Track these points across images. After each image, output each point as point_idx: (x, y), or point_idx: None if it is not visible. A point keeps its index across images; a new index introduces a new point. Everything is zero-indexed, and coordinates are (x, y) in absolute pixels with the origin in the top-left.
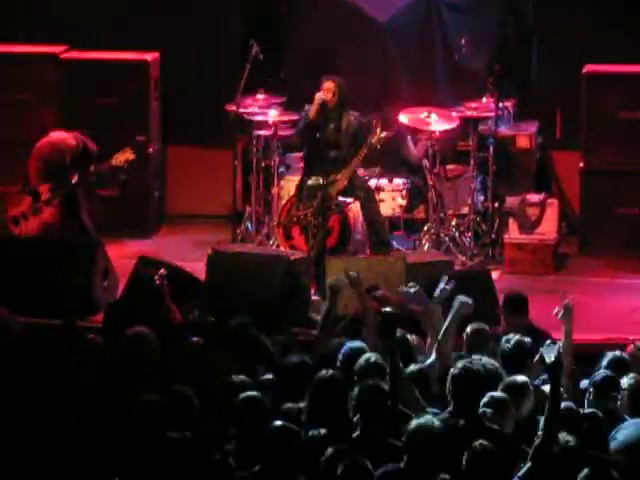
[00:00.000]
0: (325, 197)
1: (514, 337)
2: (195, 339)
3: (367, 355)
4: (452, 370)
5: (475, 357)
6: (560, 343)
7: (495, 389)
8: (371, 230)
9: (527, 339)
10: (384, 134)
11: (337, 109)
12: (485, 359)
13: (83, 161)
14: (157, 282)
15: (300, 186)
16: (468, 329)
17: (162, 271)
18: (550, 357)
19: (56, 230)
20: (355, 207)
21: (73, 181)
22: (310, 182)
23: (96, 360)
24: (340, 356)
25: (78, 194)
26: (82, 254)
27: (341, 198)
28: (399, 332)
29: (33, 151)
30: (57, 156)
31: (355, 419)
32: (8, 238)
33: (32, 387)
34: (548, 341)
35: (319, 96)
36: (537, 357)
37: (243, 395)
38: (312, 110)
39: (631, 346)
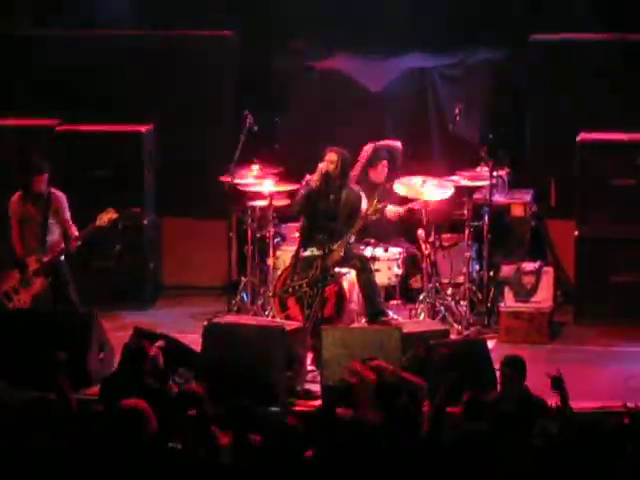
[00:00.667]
0: (322, 268)
1: None
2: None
3: None
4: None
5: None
6: None
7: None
8: (367, 299)
9: None
10: (380, 205)
11: (338, 180)
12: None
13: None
14: (151, 353)
15: (295, 257)
16: (465, 398)
17: (160, 343)
18: None
19: (48, 300)
20: (350, 277)
21: (58, 250)
22: (306, 253)
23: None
24: None
25: (64, 266)
26: (77, 326)
27: (337, 269)
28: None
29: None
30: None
31: None
32: (3, 312)
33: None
34: None
35: (322, 167)
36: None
37: None
38: (315, 180)
39: None
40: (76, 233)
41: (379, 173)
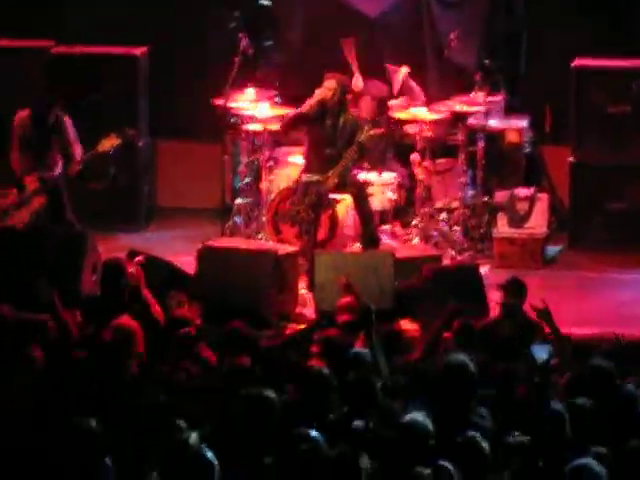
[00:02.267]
0: (318, 194)
1: None
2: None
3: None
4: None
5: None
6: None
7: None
8: (363, 225)
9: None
10: (373, 132)
11: (336, 106)
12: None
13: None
14: (129, 270)
15: (297, 182)
16: (456, 324)
17: (139, 259)
18: (541, 357)
19: (46, 219)
20: (345, 202)
21: (57, 171)
22: (304, 179)
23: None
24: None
25: (62, 187)
26: (70, 247)
27: (333, 195)
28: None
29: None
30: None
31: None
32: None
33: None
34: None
35: (318, 93)
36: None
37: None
38: (308, 104)
39: None
40: (79, 156)
41: (364, 108)
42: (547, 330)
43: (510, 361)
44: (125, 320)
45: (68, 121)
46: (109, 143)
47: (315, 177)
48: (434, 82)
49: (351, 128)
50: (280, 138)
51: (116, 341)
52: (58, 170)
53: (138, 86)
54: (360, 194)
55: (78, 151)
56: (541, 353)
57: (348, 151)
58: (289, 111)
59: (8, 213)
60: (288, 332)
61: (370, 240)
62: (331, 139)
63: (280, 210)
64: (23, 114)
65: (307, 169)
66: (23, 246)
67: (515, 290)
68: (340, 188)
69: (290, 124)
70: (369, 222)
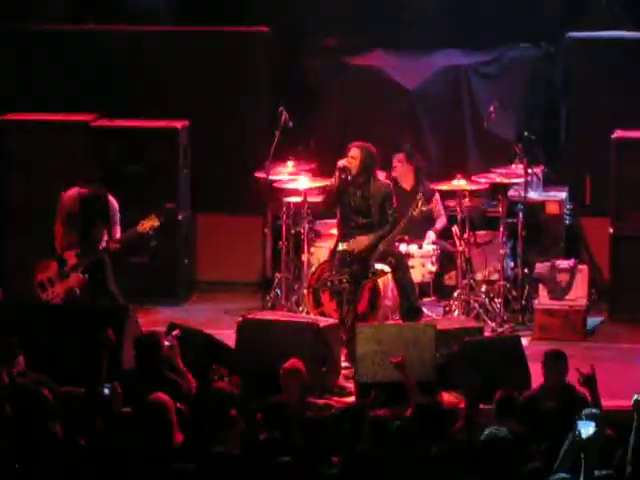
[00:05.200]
0: (362, 264)
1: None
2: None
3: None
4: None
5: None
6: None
7: (523, 455)
8: (402, 296)
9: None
10: (425, 207)
11: (362, 175)
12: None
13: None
14: (168, 345)
15: (333, 251)
16: (497, 395)
17: (175, 332)
18: (587, 432)
19: (82, 296)
20: (386, 273)
21: (100, 247)
22: (341, 247)
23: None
24: None
25: (105, 261)
26: (112, 321)
27: (377, 266)
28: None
29: (59, 213)
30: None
31: None
32: (39, 305)
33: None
34: (585, 412)
35: (340, 162)
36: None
37: None
38: (334, 177)
39: None
40: (118, 236)
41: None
42: (589, 399)
43: (553, 434)
44: (158, 395)
45: (113, 202)
46: (149, 224)
47: (358, 247)
48: (473, 154)
49: (382, 193)
50: (322, 213)
51: (150, 414)
52: (102, 244)
53: (178, 159)
54: (400, 265)
55: (118, 230)
56: (587, 428)
57: (397, 224)
58: (327, 183)
59: (44, 286)
60: (337, 405)
61: (410, 312)
62: (363, 208)
63: (323, 279)
64: (72, 193)
65: (341, 239)
66: (60, 322)
67: (558, 361)
68: (380, 259)
69: (326, 202)
70: (409, 293)
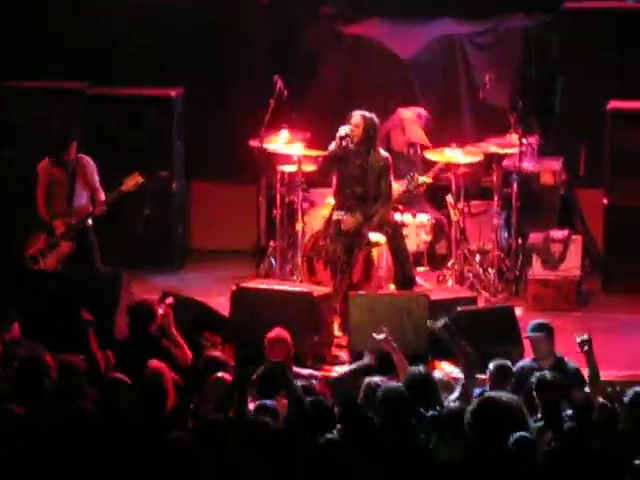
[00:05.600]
0: (356, 235)
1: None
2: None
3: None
4: (471, 406)
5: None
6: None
7: (516, 423)
8: (397, 265)
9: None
10: (422, 180)
11: (364, 145)
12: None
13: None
14: (162, 312)
15: (328, 219)
16: (491, 366)
17: (169, 300)
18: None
19: (74, 264)
20: (379, 243)
21: (85, 213)
22: (336, 216)
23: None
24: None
25: (89, 230)
26: (105, 288)
27: (372, 236)
28: (423, 370)
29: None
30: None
31: None
32: (32, 272)
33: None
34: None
35: (342, 129)
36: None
37: None
38: (334, 143)
39: None
40: (103, 198)
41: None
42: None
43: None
44: (154, 363)
45: (90, 164)
46: (132, 182)
47: (346, 216)
48: (468, 123)
49: (379, 166)
50: (317, 179)
51: (147, 383)
52: (86, 212)
53: (173, 127)
54: (395, 234)
55: (101, 193)
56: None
57: (390, 199)
58: (323, 152)
59: (36, 259)
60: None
61: (404, 281)
62: (360, 178)
63: (311, 250)
64: (44, 161)
65: (337, 207)
66: (55, 287)
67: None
68: (375, 229)
69: (322, 166)
70: (404, 263)
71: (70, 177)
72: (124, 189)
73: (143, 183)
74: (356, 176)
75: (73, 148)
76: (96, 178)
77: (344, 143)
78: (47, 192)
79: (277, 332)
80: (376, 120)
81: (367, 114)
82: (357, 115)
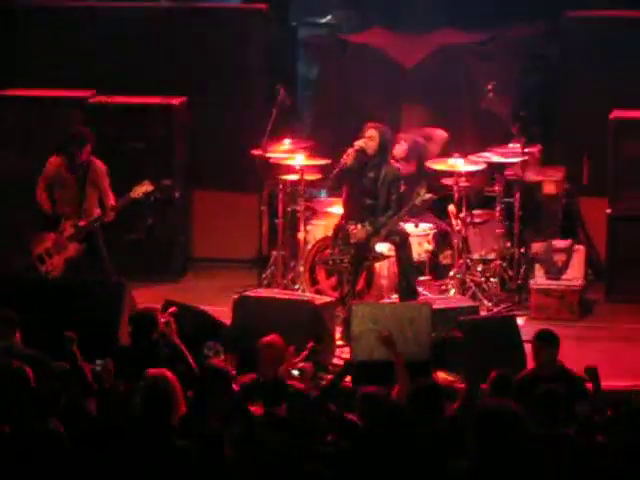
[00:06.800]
0: (365, 247)
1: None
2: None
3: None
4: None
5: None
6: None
7: (517, 432)
8: (402, 275)
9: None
10: (427, 197)
11: (377, 158)
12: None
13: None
14: (164, 321)
15: (337, 228)
16: (492, 375)
17: (171, 309)
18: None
19: (81, 266)
20: (384, 255)
21: (95, 216)
22: (345, 227)
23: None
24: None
25: (98, 234)
26: (108, 297)
27: (381, 248)
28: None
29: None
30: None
31: None
32: (36, 280)
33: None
34: None
35: (358, 143)
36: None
37: None
38: (349, 156)
39: None
40: (112, 202)
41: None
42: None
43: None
44: (155, 370)
45: (102, 167)
46: (142, 189)
47: (362, 227)
48: (470, 132)
49: (391, 179)
50: (316, 188)
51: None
52: (95, 215)
53: (175, 136)
54: (403, 244)
55: (111, 196)
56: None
57: (399, 213)
58: (325, 162)
59: (43, 259)
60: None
61: (408, 291)
62: (372, 191)
63: (318, 259)
64: (55, 159)
65: (347, 217)
66: (57, 298)
67: (549, 341)
68: (384, 239)
69: (336, 179)
70: (408, 272)
71: (81, 180)
72: (133, 196)
73: (153, 191)
74: (368, 188)
75: (88, 149)
76: (106, 182)
77: (359, 158)
78: (56, 193)
79: (270, 337)
80: (389, 131)
81: (381, 126)
82: (371, 127)
